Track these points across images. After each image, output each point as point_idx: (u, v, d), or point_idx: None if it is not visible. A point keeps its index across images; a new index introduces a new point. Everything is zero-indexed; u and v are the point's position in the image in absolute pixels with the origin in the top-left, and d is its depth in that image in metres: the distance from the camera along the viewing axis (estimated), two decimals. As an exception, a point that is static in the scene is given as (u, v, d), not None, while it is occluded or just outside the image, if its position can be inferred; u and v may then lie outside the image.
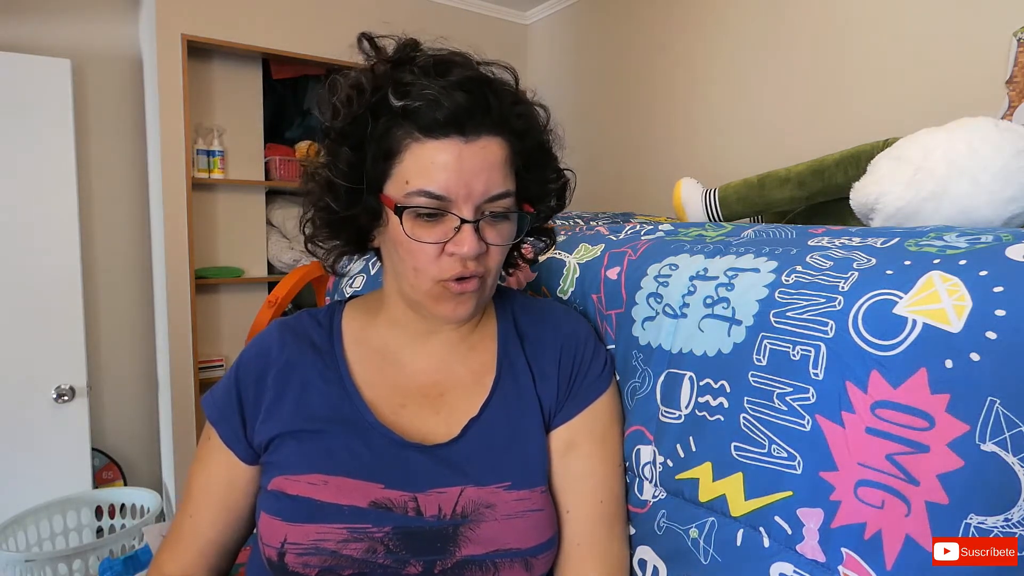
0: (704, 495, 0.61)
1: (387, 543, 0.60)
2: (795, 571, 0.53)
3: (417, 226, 0.61)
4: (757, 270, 0.63)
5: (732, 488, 0.58)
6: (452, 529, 0.61)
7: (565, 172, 0.72)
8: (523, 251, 0.77)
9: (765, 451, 0.56)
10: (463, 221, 0.60)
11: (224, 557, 0.71)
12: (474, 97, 0.59)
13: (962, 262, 0.50)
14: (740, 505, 0.58)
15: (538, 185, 0.68)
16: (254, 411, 0.67)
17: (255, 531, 0.67)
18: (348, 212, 0.64)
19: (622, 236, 0.85)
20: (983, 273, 0.48)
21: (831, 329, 0.53)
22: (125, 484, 2.51)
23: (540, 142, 0.68)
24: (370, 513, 0.61)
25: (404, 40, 0.63)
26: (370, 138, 0.61)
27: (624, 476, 0.71)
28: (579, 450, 0.69)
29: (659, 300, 0.70)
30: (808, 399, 0.54)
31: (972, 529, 0.44)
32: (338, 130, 0.62)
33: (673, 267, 0.71)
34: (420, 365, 0.70)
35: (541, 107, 0.68)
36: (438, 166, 0.59)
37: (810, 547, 0.52)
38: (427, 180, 0.59)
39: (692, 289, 0.67)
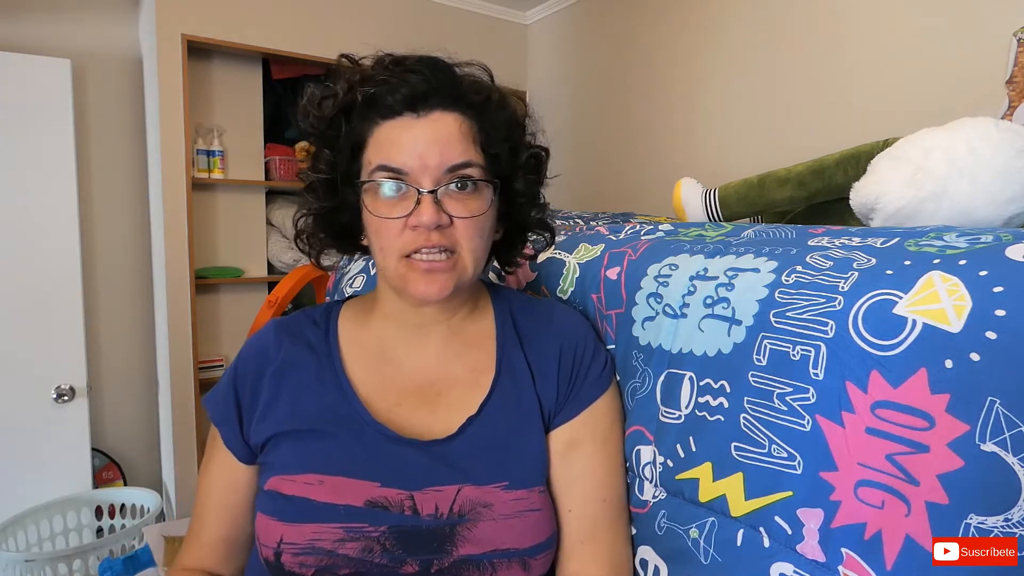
0: (704, 495, 0.61)
1: (384, 542, 0.60)
2: (795, 571, 0.53)
3: (380, 203, 0.63)
4: (757, 270, 0.63)
5: (732, 488, 0.58)
6: (449, 529, 0.61)
7: (538, 147, 0.72)
8: (523, 250, 0.77)
9: (765, 451, 0.56)
10: (421, 192, 0.61)
11: (237, 550, 0.72)
12: (424, 76, 0.62)
13: (962, 262, 0.50)
14: (740, 505, 0.58)
15: (507, 159, 0.67)
16: (250, 411, 0.68)
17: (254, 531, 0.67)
18: (328, 205, 0.69)
19: (622, 236, 0.85)
20: (983, 273, 0.48)
21: (831, 329, 0.53)
22: (125, 484, 2.50)
23: (505, 117, 0.67)
24: (366, 512, 0.61)
25: (380, 55, 0.67)
26: (344, 137, 0.66)
27: (625, 475, 0.71)
28: (581, 450, 0.69)
29: (659, 300, 0.70)
30: (808, 399, 0.54)
31: (972, 529, 0.44)
32: (317, 134, 0.68)
33: (673, 267, 0.71)
34: (416, 363, 0.70)
35: (517, 97, 0.70)
36: (392, 142, 0.63)
37: (810, 547, 0.52)
38: (384, 156, 0.63)
39: (692, 289, 0.67)
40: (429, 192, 0.61)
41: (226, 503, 0.70)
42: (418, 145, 0.61)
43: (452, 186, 0.62)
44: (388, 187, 0.62)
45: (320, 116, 0.66)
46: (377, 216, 0.63)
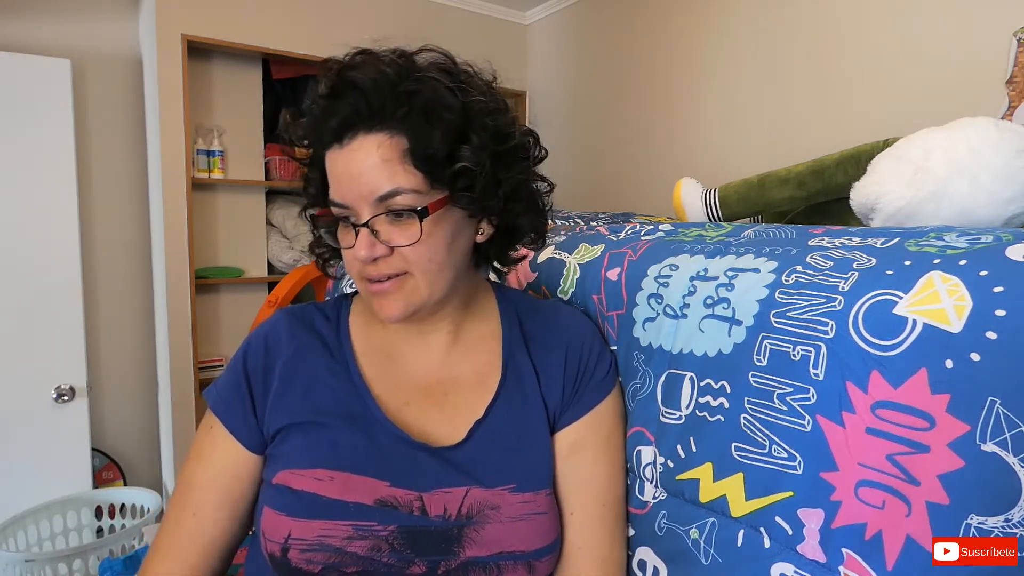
0: (705, 496, 0.61)
1: (392, 542, 0.60)
2: (796, 571, 0.53)
3: (342, 233, 0.64)
4: (757, 270, 0.63)
5: (733, 488, 0.58)
6: (457, 530, 0.61)
7: (486, 146, 0.62)
8: (514, 250, 0.74)
9: (765, 451, 0.56)
10: (355, 225, 0.61)
11: (226, 559, 0.69)
12: (348, 100, 0.59)
13: (962, 262, 0.50)
14: (741, 505, 0.58)
15: (446, 164, 0.61)
16: (263, 399, 0.66)
17: (255, 527, 0.66)
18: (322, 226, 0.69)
19: (622, 236, 0.85)
20: (983, 273, 0.48)
21: (831, 329, 0.53)
22: (125, 484, 2.50)
23: (441, 123, 0.60)
24: (376, 511, 0.61)
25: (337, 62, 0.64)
26: (316, 161, 0.66)
27: (626, 478, 0.71)
28: (584, 453, 0.69)
29: (660, 301, 0.70)
30: (808, 399, 0.54)
31: (972, 529, 0.44)
32: (301, 158, 0.68)
33: (673, 267, 0.71)
34: (421, 364, 0.70)
35: (467, 71, 0.64)
36: (331, 174, 0.62)
37: (811, 547, 0.52)
38: (332, 190, 0.63)
39: (692, 289, 0.67)
40: (363, 224, 0.60)
41: (232, 497, 0.66)
42: (345, 179, 0.60)
43: (386, 215, 0.60)
44: (338, 220, 0.63)
45: (293, 142, 0.67)
46: (341, 247, 0.65)
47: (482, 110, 0.63)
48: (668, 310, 0.69)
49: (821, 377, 0.53)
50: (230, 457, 0.66)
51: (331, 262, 0.75)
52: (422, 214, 0.60)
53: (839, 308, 0.54)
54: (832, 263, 0.59)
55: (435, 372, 0.70)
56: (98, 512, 2.12)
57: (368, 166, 0.59)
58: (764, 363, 0.58)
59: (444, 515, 0.62)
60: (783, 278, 0.60)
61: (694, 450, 0.63)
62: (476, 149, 0.61)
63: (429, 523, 0.61)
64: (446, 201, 0.62)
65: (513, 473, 0.65)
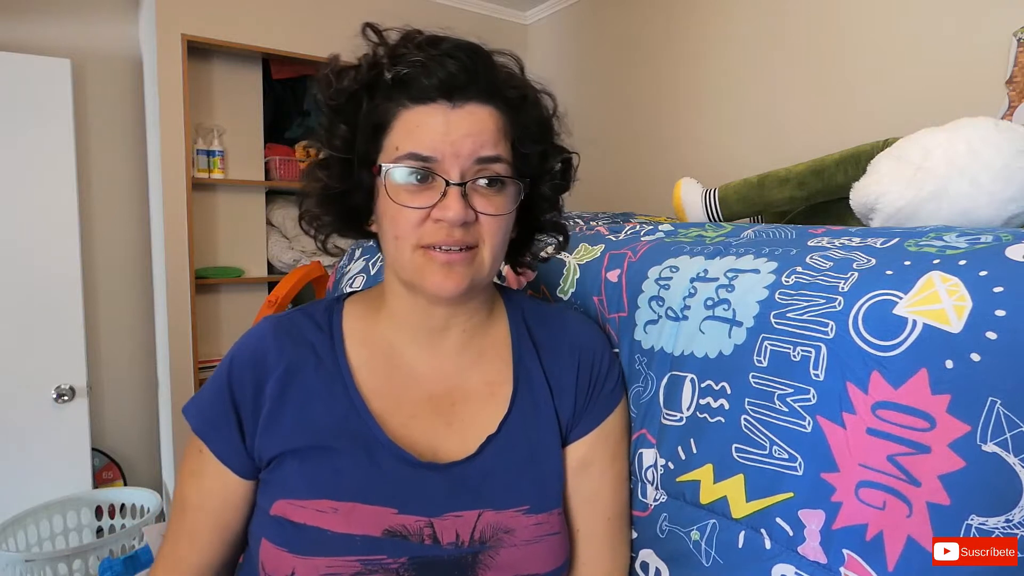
0: (705, 497, 0.61)
1: (403, 574, 0.58)
2: (796, 572, 0.53)
3: (402, 191, 0.59)
4: (757, 271, 0.63)
5: (733, 490, 0.58)
6: (471, 557, 0.59)
7: (569, 151, 0.69)
8: (535, 251, 0.74)
9: (766, 452, 0.56)
10: (448, 184, 0.57)
11: None
12: (462, 64, 0.58)
13: (962, 262, 0.50)
14: (741, 507, 0.58)
15: (537, 160, 0.64)
16: (252, 422, 0.62)
17: (252, 554, 0.63)
18: (341, 187, 0.63)
19: (622, 237, 0.85)
20: (983, 273, 0.48)
21: (831, 330, 0.53)
22: (125, 484, 2.50)
23: (538, 117, 0.64)
24: (385, 543, 0.58)
25: (408, 29, 0.63)
26: (364, 114, 0.61)
27: (629, 486, 0.71)
28: (592, 469, 0.68)
29: (661, 303, 0.70)
30: (809, 400, 0.54)
31: (973, 530, 0.44)
32: (334, 107, 0.62)
33: (674, 269, 0.71)
34: (428, 370, 0.66)
35: (547, 94, 0.68)
36: (424, 128, 0.58)
37: (811, 548, 0.52)
38: (414, 143, 0.58)
39: (693, 291, 0.67)
40: (457, 184, 0.57)
41: (223, 523, 0.63)
42: (450, 135, 0.57)
43: (480, 181, 0.59)
44: (414, 175, 0.58)
45: (341, 89, 0.61)
46: (397, 203, 0.58)
47: (551, 119, 0.67)
48: (669, 312, 0.69)
49: (821, 378, 0.53)
50: (220, 481, 0.63)
51: (332, 236, 0.69)
52: (523, 186, 0.62)
53: (839, 308, 0.54)
54: (832, 263, 0.59)
55: (443, 380, 0.66)
56: (98, 512, 2.12)
57: (480, 129, 0.59)
58: (764, 364, 0.58)
59: (456, 542, 0.59)
60: (783, 279, 0.60)
61: (695, 452, 0.63)
62: (554, 156, 0.67)
63: (441, 552, 0.59)
64: (522, 189, 0.64)
65: (526, 493, 0.63)
